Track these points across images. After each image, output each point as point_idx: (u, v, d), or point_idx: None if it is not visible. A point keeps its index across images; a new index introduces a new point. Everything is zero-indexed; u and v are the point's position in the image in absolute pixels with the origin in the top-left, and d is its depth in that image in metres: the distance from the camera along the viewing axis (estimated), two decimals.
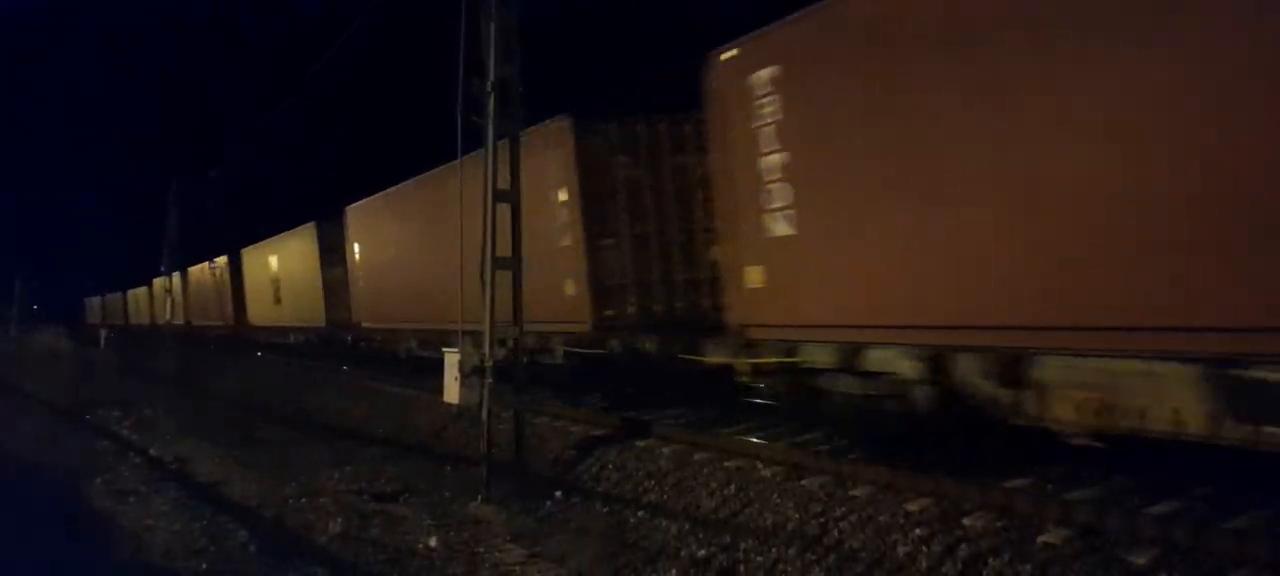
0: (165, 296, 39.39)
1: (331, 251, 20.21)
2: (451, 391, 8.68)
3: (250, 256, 28.37)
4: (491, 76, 8.21)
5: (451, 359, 8.70)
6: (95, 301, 69.28)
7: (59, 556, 6.98)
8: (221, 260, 31.97)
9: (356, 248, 18.49)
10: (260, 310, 27.63)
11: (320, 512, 7.72)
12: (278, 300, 25.03)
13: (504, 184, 8.53)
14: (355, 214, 18.61)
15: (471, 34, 8.13)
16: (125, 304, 56.64)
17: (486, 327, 8.41)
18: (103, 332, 47.05)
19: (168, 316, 39.02)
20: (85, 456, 11.01)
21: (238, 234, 29.98)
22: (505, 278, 8.60)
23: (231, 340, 31.95)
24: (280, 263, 24.60)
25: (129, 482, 9.34)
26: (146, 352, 33.62)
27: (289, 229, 23.68)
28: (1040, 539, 5.37)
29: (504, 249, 8.59)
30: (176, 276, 38.78)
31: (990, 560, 5.29)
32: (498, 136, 8.39)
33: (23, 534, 7.54)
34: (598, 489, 8.08)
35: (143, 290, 49.69)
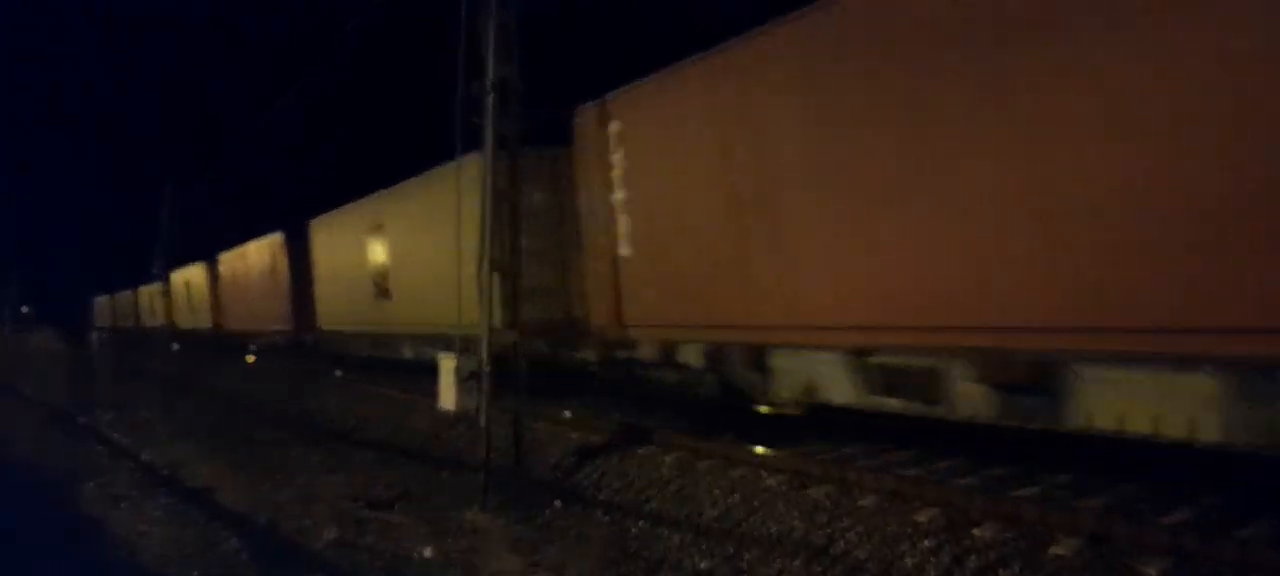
0: (183, 293, 32.06)
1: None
2: (447, 396, 8.55)
3: (328, 230, 19.39)
4: (491, 76, 8.12)
5: (447, 363, 8.57)
6: (103, 301, 61.66)
7: (51, 562, 6.87)
8: (270, 240, 23.01)
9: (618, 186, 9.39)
10: (346, 309, 18.23)
11: (315, 520, 7.61)
12: (384, 293, 16.06)
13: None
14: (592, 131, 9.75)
15: (471, 34, 8.04)
16: (137, 303, 47.49)
17: (484, 330, 8.30)
18: (94, 336, 45.49)
19: (163, 318, 33.98)
20: (79, 460, 10.90)
21: (297, 201, 22.42)
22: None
23: (289, 351, 22.82)
24: (395, 235, 15.66)
25: (121, 488, 9.24)
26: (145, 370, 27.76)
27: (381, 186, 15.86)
28: (1050, 549, 5.26)
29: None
30: (200, 267, 30.33)
31: (999, 571, 5.18)
32: (497, 136, 8.27)
33: (14, 539, 7.45)
34: (598, 497, 7.95)
35: (158, 288, 39.53)
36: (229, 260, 27.74)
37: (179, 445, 11.88)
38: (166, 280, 35.31)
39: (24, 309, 67.41)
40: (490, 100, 8.09)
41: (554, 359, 11.05)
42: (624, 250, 9.29)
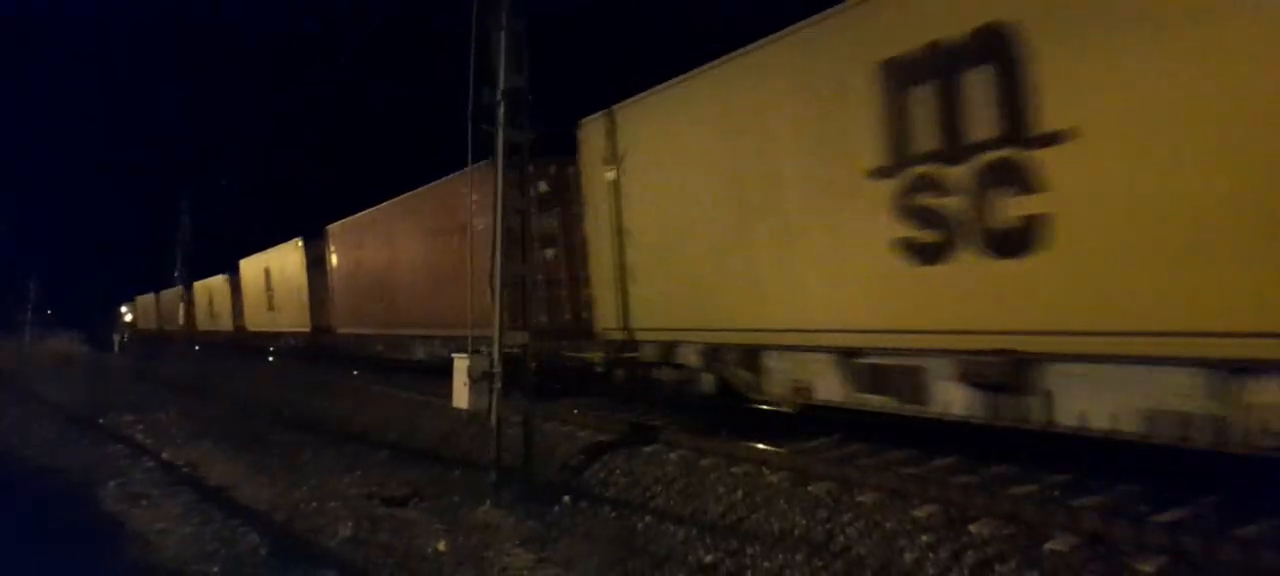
0: (259, 286, 24.42)
1: None
2: (460, 396, 8.71)
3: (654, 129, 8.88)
4: (502, 86, 8.26)
5: (460, 364, 8.73)
6: (147, 301, 49.06)
7: (71, 558, 7.07)
8: (438, 188, 14.21)
9: None
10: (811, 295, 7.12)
11: (330, 516, 7.78)
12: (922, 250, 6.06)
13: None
14: None
15: (482, 43, 8.18)
16: (191, 303, 36.30)
17: (496, 333, 8.46)
18: (116, 339, 43.82)
19: (229, 321, 27.91)
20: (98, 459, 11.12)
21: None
22: None
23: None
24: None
25: (141, 486, 9.45)
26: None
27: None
28: (1047, 546, 5.37)
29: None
30: (292, 248, 22.09)
31: (997, 567, 5.29)
32: (508, 145, 8.42)
33: (36, 535, 7.66)
34: (606, 494, 8.11)
35: (220, 280, 31.49)
36: (346, 233, 18.95)
37: (196, 445, 12.09)
38: (236, 272, 28.48)
39: (49, 311, 65.47)
40: (501, 109, 8.23)
41: None
42: None
